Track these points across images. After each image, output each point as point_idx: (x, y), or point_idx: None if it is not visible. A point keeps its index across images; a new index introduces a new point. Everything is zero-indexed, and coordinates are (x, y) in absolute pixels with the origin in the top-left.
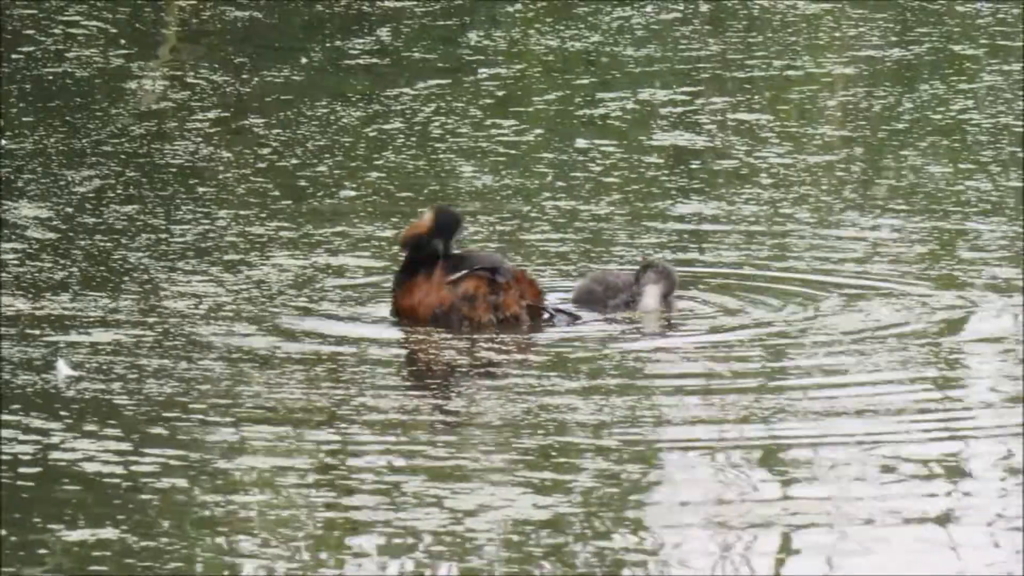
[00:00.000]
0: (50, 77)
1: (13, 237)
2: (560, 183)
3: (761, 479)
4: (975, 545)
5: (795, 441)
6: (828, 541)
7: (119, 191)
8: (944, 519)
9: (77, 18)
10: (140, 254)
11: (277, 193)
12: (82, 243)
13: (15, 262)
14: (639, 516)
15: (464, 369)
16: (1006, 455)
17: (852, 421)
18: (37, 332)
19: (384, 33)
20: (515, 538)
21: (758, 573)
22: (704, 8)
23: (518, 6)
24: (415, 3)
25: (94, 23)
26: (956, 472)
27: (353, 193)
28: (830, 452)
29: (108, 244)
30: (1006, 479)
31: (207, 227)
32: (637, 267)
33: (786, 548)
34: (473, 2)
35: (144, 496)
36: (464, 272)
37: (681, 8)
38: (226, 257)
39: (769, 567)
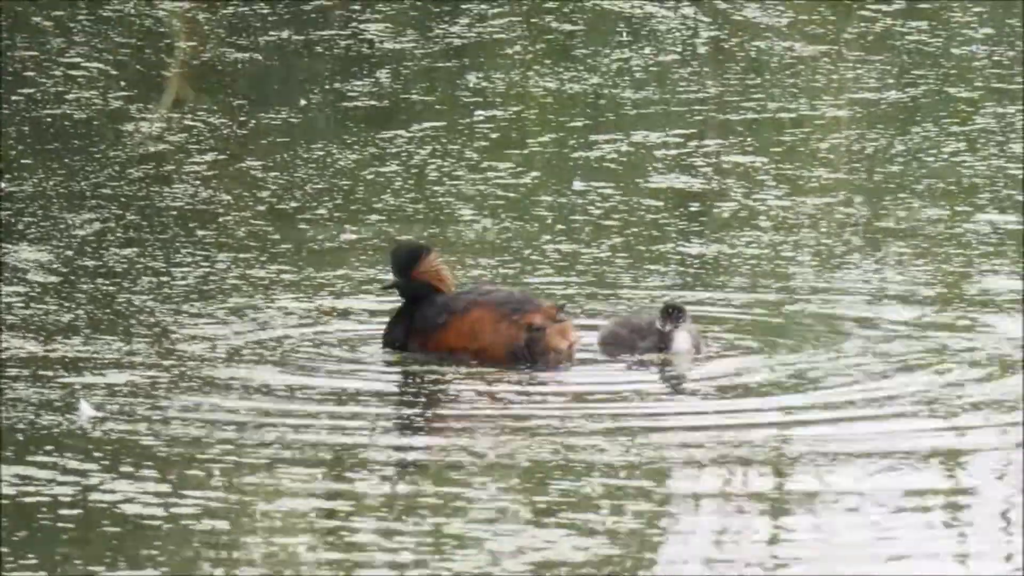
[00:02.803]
0: (49, 119)
1: (15, 280)
2: (560, 226)
3: (795, 519)
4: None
5: (826, 485)
6: None
7: (119, 234)
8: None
9: (78, 60)
10: (144, 297)
11: (277, 236)
12: (84, 286)
13: (20, 304)
14: (674, 559)
15: (486, 410)
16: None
17: (876, 464)
18: (51, 374)
19: (383, 75)
20: None
21: None
22: (702, 50)
23: (517, 48)
24: (415, 45)
25: (95, 64)
26: (964, 514)
27: (354, 236)
28: (867, 495)
29: (111, 287)
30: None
31: (208, 270)
32: (658, 308)
33: None
34: (473, 44)
35: (185, 538)
36: (526, 310)
37: (679, 50)
38: (230, 300)
39: None
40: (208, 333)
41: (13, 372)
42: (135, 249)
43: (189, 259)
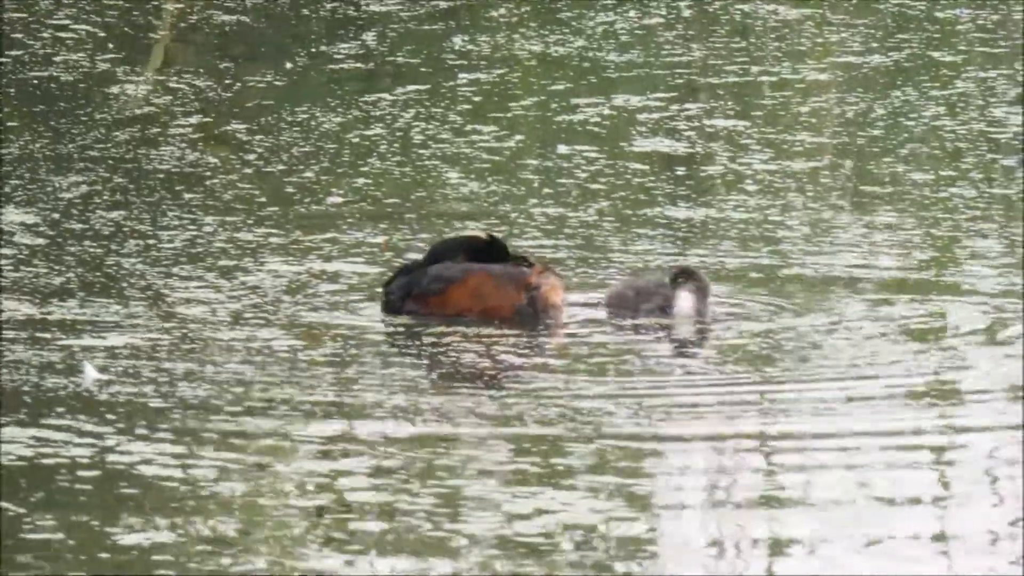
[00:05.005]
0: (36, 81)
1: (2, 243)
2: (547, 189)
3: (809, 476)
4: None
5: (832, 437)
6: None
7: (106, 197)
8: (939, 531)
9: (67, 22)
10: (133, 260)
11: (264, 199)
12: (72, 249)
13: (10, 267)
14: (690, 519)
15: (490, 371)
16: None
17: (881, 420)
18: (49, 336)
19: (370, 37)
20: (563, 543)
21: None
22: (687, 14)
23: (502, 11)
24: (401, 7)
25: (83, 27)
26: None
27: (340, 199)
28: (866, 452)
29: (99, 250)
30: (1004, 480)
31: (195, 233)
32: (670, 271)
33: (820, 550)
34: (459, 6)
35: (201, 499)
36: (519, 277)
37: (664, 13)
38: (219, 263)
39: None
40: (201, 296)
41: (11, 334)
42: (122, 212)
43: (176, 222)
